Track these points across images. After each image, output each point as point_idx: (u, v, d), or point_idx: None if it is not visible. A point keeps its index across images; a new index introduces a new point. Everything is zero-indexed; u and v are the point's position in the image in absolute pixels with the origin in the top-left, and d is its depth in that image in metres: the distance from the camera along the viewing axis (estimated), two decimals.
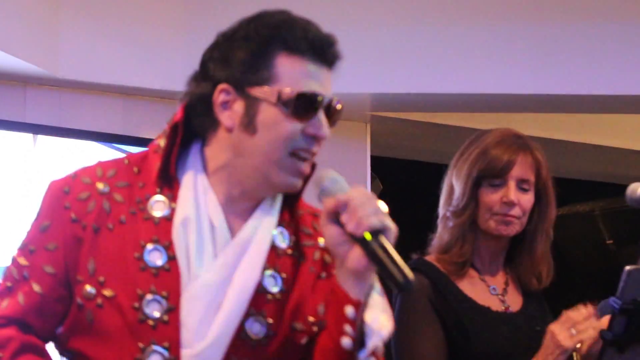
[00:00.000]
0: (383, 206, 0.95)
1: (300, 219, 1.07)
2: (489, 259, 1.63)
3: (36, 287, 0.99)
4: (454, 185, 1.62)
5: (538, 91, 3.41)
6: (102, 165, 1.04)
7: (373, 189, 3.92)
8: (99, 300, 0.97)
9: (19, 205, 2.89)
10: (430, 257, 1.62)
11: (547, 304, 1.73)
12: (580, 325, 1.49)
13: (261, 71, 0.98)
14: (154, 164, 1.01)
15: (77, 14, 3.07)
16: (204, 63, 1.03)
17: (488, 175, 1.57)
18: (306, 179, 1.02)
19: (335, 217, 0.94)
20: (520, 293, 1.66)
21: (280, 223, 1.04)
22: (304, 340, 1.02)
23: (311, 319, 1.02)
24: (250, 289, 0.98)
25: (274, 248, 1.02)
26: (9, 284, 1.01)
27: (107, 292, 0.97)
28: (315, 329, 1.02)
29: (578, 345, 1.51)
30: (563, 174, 1.70)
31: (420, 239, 1.69)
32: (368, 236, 0.91)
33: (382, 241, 0.92)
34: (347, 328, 0.94)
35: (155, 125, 3.50)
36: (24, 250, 1.02)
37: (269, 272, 1.00)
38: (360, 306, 0.94)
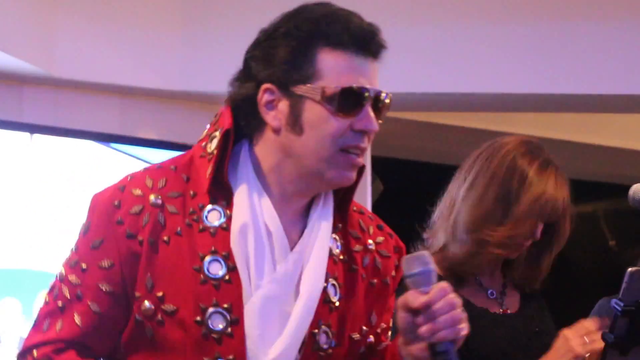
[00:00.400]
0: (463, 314, 0.93)
1: (348, 221, 1.03)
2: (488, 264, 1.60)
3: (94, 307, 0.95)
4: (487, 205, 1.54)
5: (539, 90, 3.40)
6: (150, 174, 0.99)
7: (374, 189, 3.90)
8: (159, 316, 0.94)
9: (16, 204, 2.88)
10: None
11: (547, 304, 1.72)
12: (593, 335, 1.47)
13: (304, 68, 0.95)
14: (204, 171, 0.97)
15: (73, 13, 3.06)
16: (246, 62, 1.00)
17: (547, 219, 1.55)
18: (359, 172, 0.99)
19: (412, 312, 0.91)
20: (519, 294, 1.64)
21: (335, 229, 1.01)
22: (361, 350, 1.01)
23: (365, 328, 1.01)
24: (316, 299, 0.95)
25: (332, 256, 0.99)
26: (60, 303, 0.96)
27: (168, 307, 0.94)
28: (370, 338, 1.02)
29: (587, 355, 1.49)
30: (565, 174, 1.66)
31: (422, 239, 1.66)
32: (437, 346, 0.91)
33: (453, 355, 0.91)
34: None
35: (152, 125, 3.54)
36: (75, 268, 0.97)
37: (330, 280, 0.98)
38: None
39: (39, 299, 3.20)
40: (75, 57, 3.00)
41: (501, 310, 1.59)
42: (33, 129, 3.01)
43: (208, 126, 1.02)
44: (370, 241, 1.03)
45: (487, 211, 1.52)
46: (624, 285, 1.48)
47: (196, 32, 3.21)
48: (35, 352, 0.96)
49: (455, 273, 1.54)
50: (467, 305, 1.54)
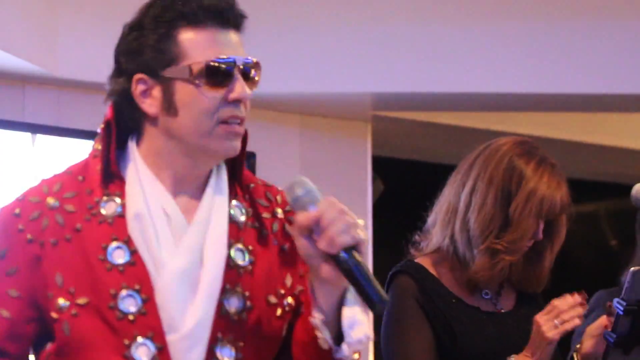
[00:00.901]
0: (355, 218, 0.93)
1: (254, 191, 1.06)
2: (500, 272, 1.59)
3: (4, 313, 0.98)
4: (496, 212, 1.54)
5: (540, 90, 3.40)
6: (46, 182, 1.03)
7: (374, 189, 3.90)
8: (74, 310, 0.96)
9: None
10: (422, 260, 1.58)
11: (545, 302, 1.70)
12: (565, 314, 1.46)
13: (169, 51, 0.97)
14: (96, 168, 1.00)
15: (76, 12, 3.05)
16: (116, 58, 1.01)
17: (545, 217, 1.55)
18: (243, 141, 1.02)
19: (307, 232, 0.92)
20: (515, 293, 1.63)
21: (234, 197, 1.04)
22: (278, 313, 1.02)
23: (281, 291, 1.03)
24: (220, 264, 0.98)
25: (234, 223, 1.01)
26: None
27: (80, 300, 0.96)
28: (287, 300, 1.03)
29: (578, 346, 1.49)
30: (566, 174, 1.65)
31: (414, 242, 1.65)
32: (340, 254, 0.90)
33: (356, 259, 0.90)
34: (316, 333, 0.95)
35: None
36: None
37: (235, 246, 1.00)
38: (325, 314, 0.95)
39: None
40: (78, 57, 3.00)
41: (495, 308, 1.59)
42: (35, 129, 3.02)
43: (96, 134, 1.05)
44: (278, 209, 1.06)
45: (491, 217, 1.52)
46: (626, 284, 1.51)
47: None
48: None
49: (460, 278, 1.55)
50: (459, 304, 1.55)
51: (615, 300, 1.50)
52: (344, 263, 0.90)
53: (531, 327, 1.52)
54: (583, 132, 4.12)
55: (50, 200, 1.00)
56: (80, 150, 3.09)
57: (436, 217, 1.59)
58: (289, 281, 1.04)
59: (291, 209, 0.98)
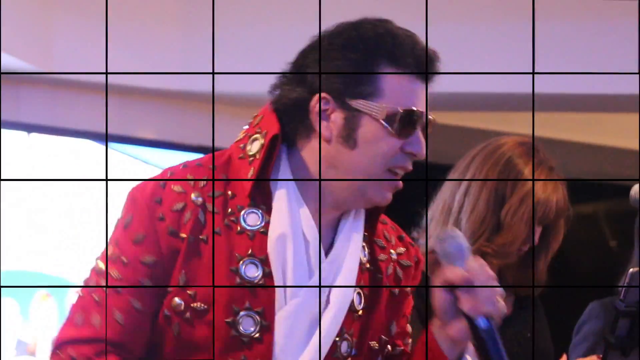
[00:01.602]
0: (500, 289, 0.92)
1: (375, 231, 1.02)
2: None
3: (135, 303, 0.93)
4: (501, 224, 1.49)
5: (538, 90, 3.40)
6: (191, 171, 0.96)
7: None
8: (188, 314, 0.92)
9: (14, 204, 2.87)
10: None
11: (546, 306, 1.66)
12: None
13: (364, 83, 0.92)
14: (244, 173, 0.94)
15: (71, 11, 3.06)
16: (299, 66, 0.96)
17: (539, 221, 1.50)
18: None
19: (451, 288, 0.90)
20: (513, 297, 1.57)
21: (363, 237, 0.99)
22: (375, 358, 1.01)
23: (384, 337, 1.00)
24: (346, 308, 0.94)
25: (359, 264, 0.97)
26: (96, 297, 0.93)
27: (198, 306, 0.92)
28: (388, 348, 1.01)
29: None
30: (566, 175, 1.62)
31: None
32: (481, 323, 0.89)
33: (494, 329, 0.90)
34: None
35: (150, 124, 3.53)
36: (116, 262, 0.93)
37: (357, 289, 0.96)
38: None
39: (36, 300, 3.19)
40: (72, 56, 3.00)
41: None
42: (30, 128, 3.02)
43: (246, 127, 0.98)
44: (392, 251, 1.02)
45: (482, 219, 1.48)
46: (625, 285, 1.47)
47: (195, 32, 3.21)
48: (71, 350, 0.93)
49: None
50: None
51: (616, 301, 1.46)
52: (481, 331, 0.89)
53: (529, 333, 1.49)
54: (583, 132, 4.13)
55: (194, 195, 0.94)
56: (76, 149, 3.09)
57: (432, 215, 1.54)
58: (393, 328, 1.01)
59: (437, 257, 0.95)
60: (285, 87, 0.96)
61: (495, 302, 0.89)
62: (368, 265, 0.99)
